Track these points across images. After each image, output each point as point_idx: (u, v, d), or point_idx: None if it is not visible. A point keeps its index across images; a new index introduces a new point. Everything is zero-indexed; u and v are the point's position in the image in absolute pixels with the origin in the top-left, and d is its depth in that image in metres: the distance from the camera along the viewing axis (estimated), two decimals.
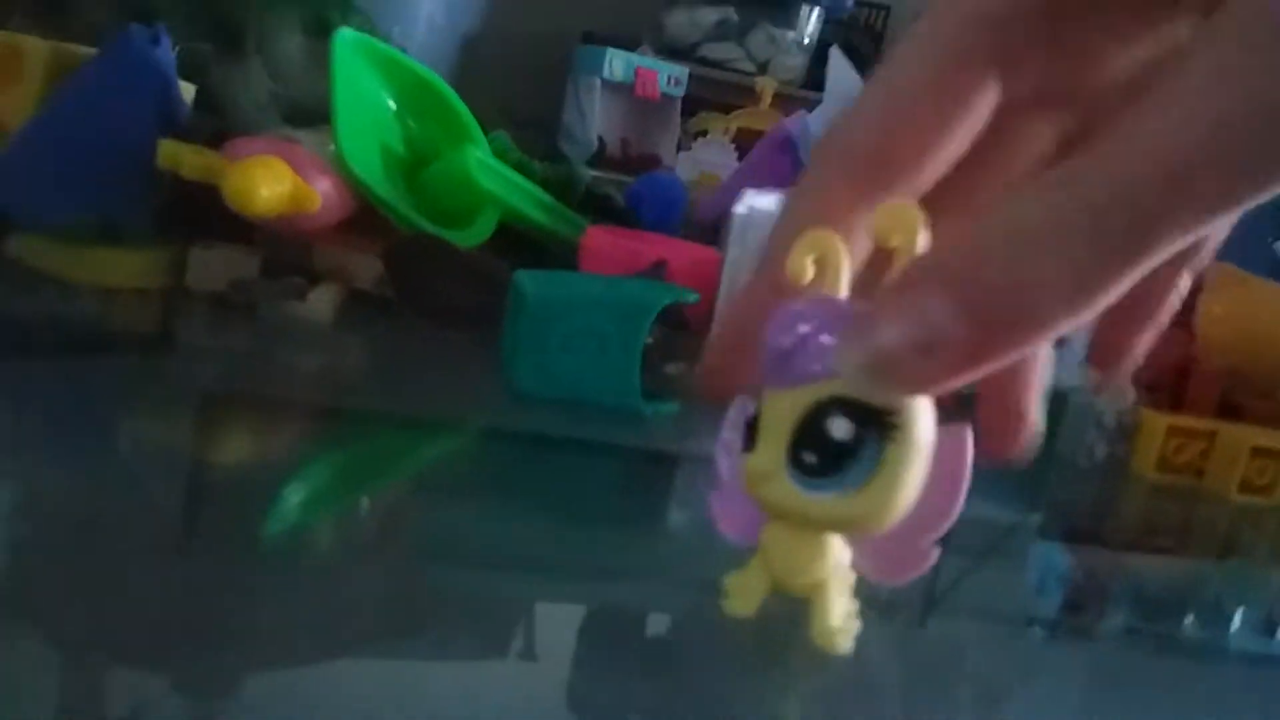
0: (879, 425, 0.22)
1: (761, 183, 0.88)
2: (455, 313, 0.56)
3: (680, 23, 1.27)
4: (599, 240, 0.64)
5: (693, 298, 0.51)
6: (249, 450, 0.41)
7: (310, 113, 0.77)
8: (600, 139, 1.12)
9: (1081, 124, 0.23)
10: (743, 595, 0.27)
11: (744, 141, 1.16)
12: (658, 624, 0.33)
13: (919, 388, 0.21)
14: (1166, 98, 0.17)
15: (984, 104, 0.22)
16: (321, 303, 0.53)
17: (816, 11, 1.30)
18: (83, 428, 0.37)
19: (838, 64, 0.87)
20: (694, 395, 0.53)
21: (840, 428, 0.22)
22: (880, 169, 0.22)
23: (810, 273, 0.23)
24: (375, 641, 0.27)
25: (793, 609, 0.26)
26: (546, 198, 0.67)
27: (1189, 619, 0.41)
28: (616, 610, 0.32)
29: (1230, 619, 0.41)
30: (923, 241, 0.22)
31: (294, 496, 0.36)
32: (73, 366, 0.43)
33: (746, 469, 0.24)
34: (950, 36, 0.22)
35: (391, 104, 0.63)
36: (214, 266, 0.54)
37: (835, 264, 0.23)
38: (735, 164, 1.11)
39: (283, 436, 0.44)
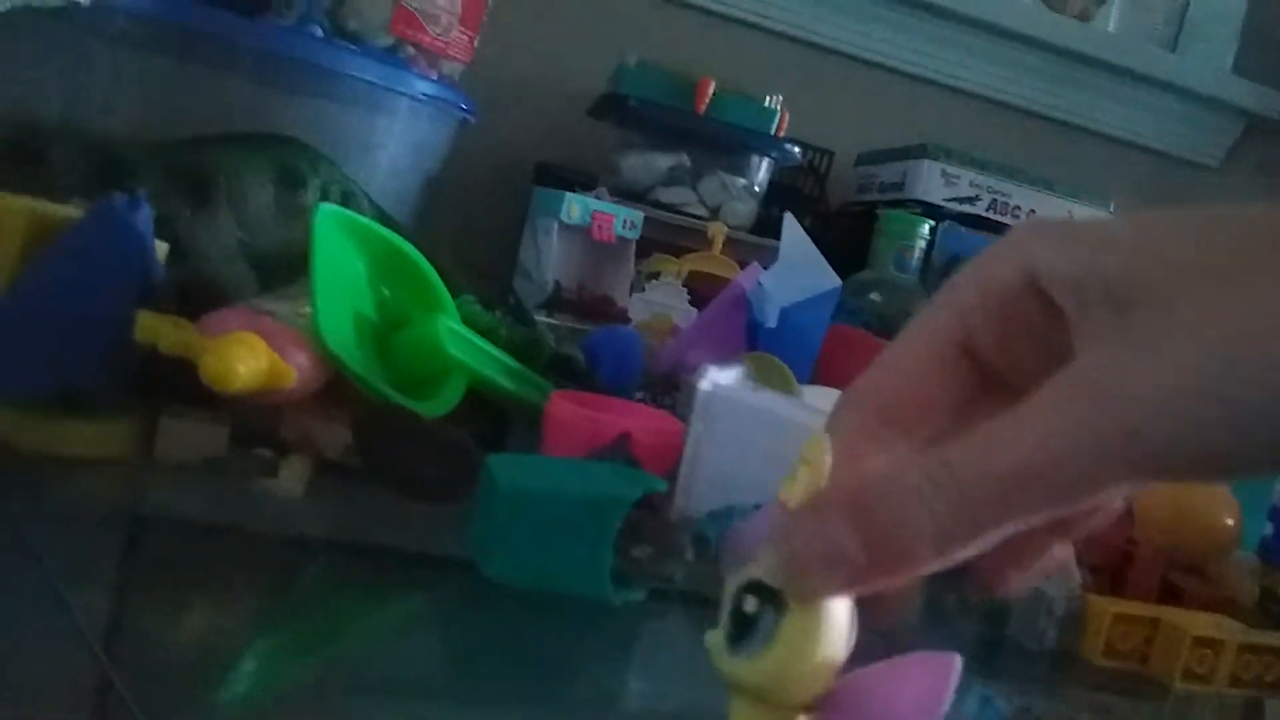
0: (774, 602, 0.27)
1: (717, 337, 0.90)
2: (421, 485, 0.57)
3: (635, 166, 1.31)
4: (563, 410, 0.66)
5: (660, 487, 0.52)
6: (205, 617, 0.41)
7: (276, 261, 0.78)
8: (555, 281, 1.14)
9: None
10: None
11: (695, 284, 1.19)
12: None
13: (822, 591, 0.27)
14: (1019, 418, 0.24)
15: (961, 385, 0.29)
16: (292, 477, 0.53)
17: (766, 161, 1.36)
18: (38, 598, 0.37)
19: (791, 228, 0.90)
20: (658, 577, 0.54)
21: (749, 603, 0.27)
22: (887, 420, 0.29)
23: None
24: None
25: None
26: (513, 363, 0.68)
27: None
28: None
29: None
30: (828, 464, 0.28)
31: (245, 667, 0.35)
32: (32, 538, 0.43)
33: (708, 644, 0.28)
34: (943, 326, 0.28)
35: (364, 270, 0.64)
36: (183, 437, 0.54)
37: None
38: (687, 306, 1.14)
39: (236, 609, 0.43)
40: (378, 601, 0.46)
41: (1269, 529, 0.78)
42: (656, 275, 1.23)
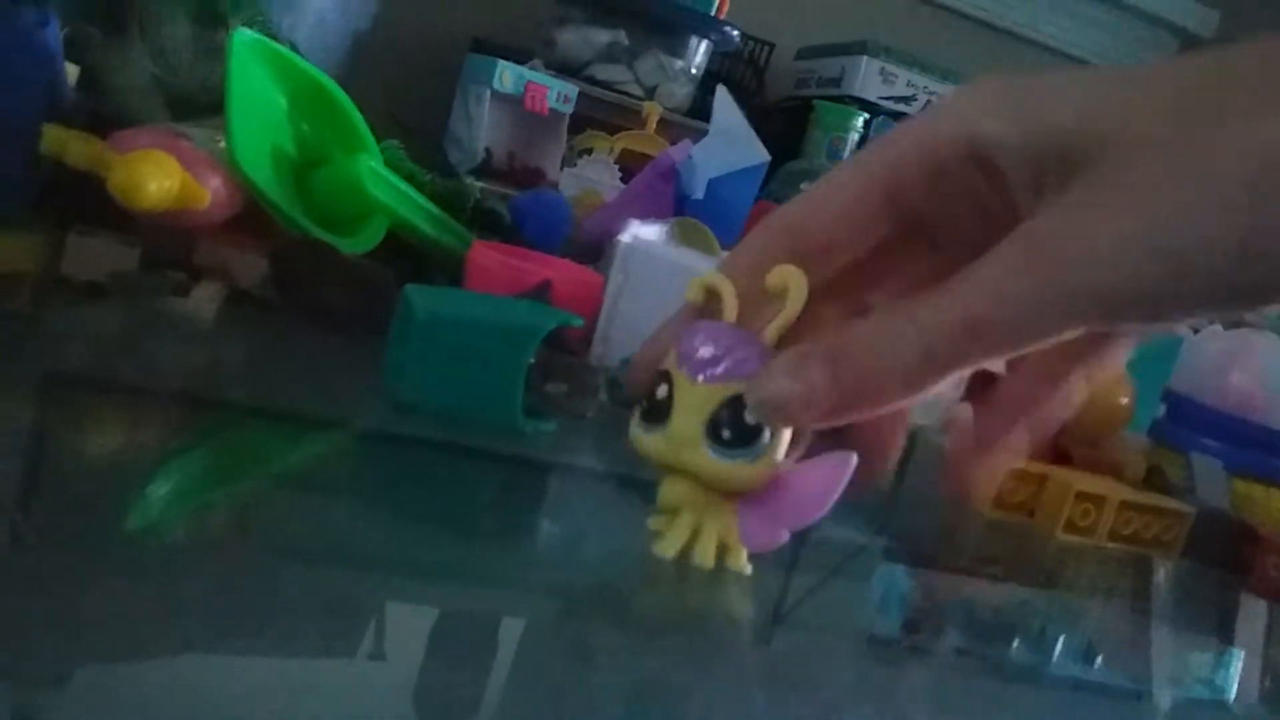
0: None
1: (644, 207, 0.90)
2: (337, 317, 0.57)
3: (571, 41, 1.29)
4: (485, 257, 0.66)
5: (577, 322, 0.52)
6: (106, 439, 0.41)
7: (193, 102, 0.76)
8: (486, 149, 1.12)
9: (945, 264, 0.30)
10: (669, 543, 0.36)
11: (627, 162, 1.18)
12: (510, 629, 0.34)
13: (797, 423, 0.33)
14: (975, 274, 0.27)
15: (879, 230, 0.32)
16: (203, 301, 0.53)
17: (705, 44, 1.34)
18: None
19: (723, 101, 0.90)
20: (570, 413, 0.55)
21: (752, 415, 0.33)
22: (799, 245, 0.32)
23: (701, 298, 0.35)
24: (218, 637, 0.26)
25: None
26: (435, 210, 0.67)
27: (1015, 643, 0.45)
28: (468, 615, 0.33)
29: (1053, 645, 0.46)
30: (804, 296, 0.32)
31: (148, 488, 0.35)
32: None
33: (670, 436, 0.34)
34: (871, 174, 0.31)
35: (284, 104, 0.63)
36: (92, 255, 0.53)
37: (728, 299, 0.34)
38: (618, 183, 1.13)
39: (146, 427, 0.43)
40: (282, 442, 0.46)
41: (1161, 410, 0.82)
42: (589, 151, 1.22)
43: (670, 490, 0.36)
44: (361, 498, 0.41)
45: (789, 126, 1.50)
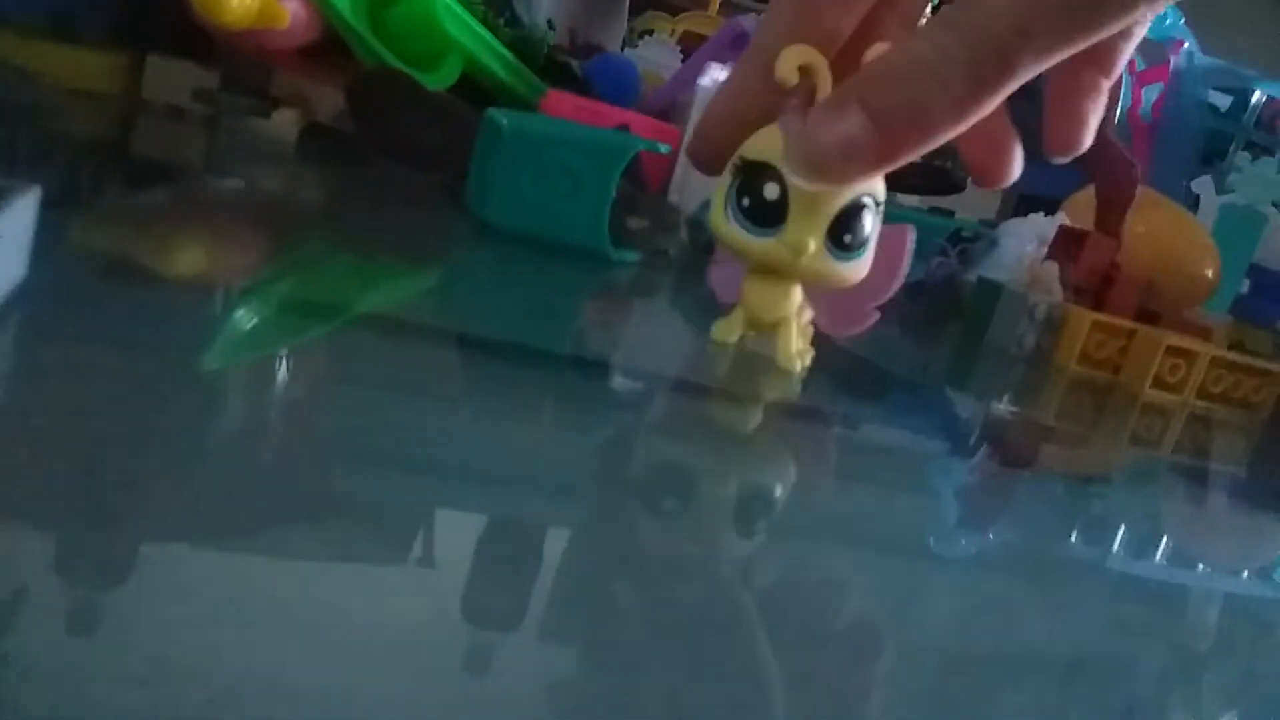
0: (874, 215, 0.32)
1: None
2: (418, 150, 0.56)
3: None
4: (560, 103, 0.64)
5: (664, 148, 0.51)
6: (191, 266, 0.39)
7: None
8: (549, 21, 1.10)
9: None
10: (726, 330, 0.36)
11: (688, 44, 1.16)
12: (556, 538, 0.26)
13: (841, 181, 0.29)
14: None
15: None
16: (286, 123, 0.52)
17: None
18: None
19: None
20: (652, 249, 0.54)
21: (866, 218, 0.32)
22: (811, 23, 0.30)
23: (796, 78, 0.29)
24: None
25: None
26: (509, 55, 0.66)
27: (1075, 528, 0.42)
28: (516, 522, 0.26)
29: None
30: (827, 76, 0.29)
31: (228, 318, 0.31)
32: (28, 168, 0.42)
33: (788, 242, 0.31)
34: None
35: None
36: (172, 77, 0.52)
37: (822, 73, 0.30)
38: (678, 64, 1.11)
39: (227, 254, 0.42)
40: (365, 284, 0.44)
41: (1246, 286, 0.79)
42: (650, 32, 1.19)
43: (761, 296, 0.35)
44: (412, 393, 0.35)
45: None
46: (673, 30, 1.19)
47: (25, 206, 0.17)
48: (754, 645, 0.20)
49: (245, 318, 0.30)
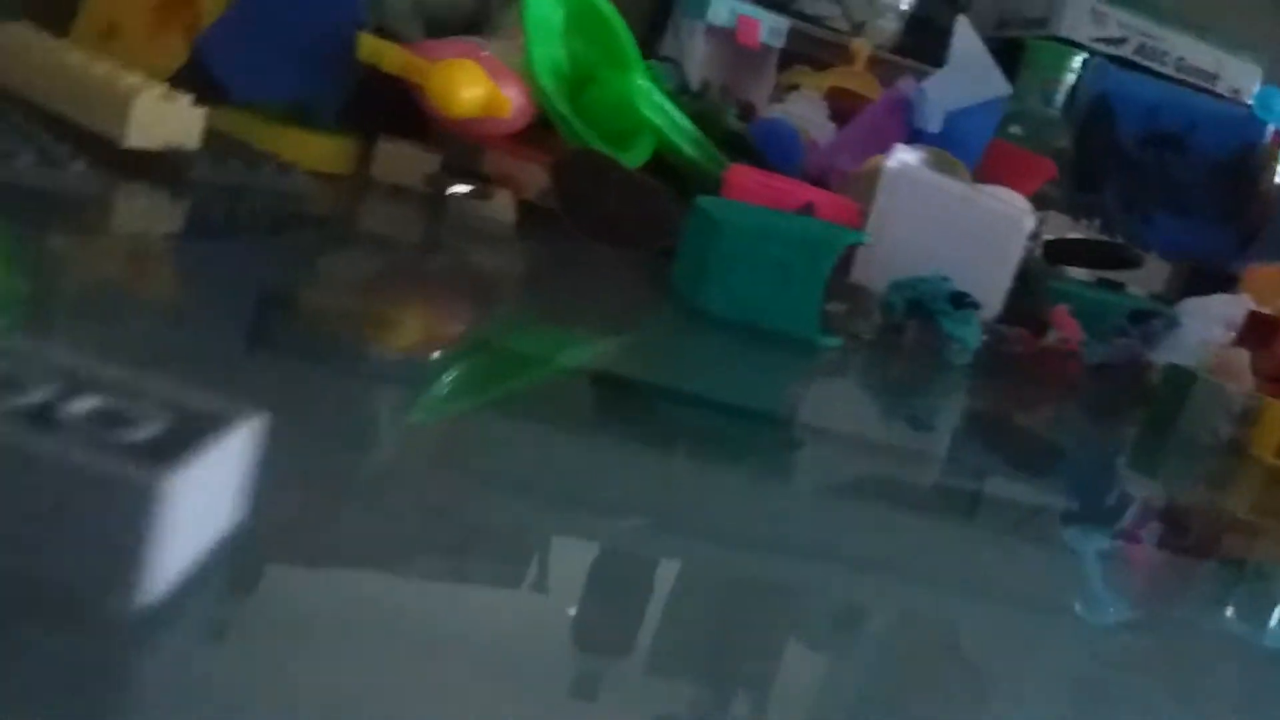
0: None
1: (874, 140, 0.89)
2: (617, 227, 0.58)
3: None
4: (745, 178, 0.66)
5: (866, 238, 0.52)
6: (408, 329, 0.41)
7: (443, 23, 0.78)
8: (704, 81, 1.12)
9: None
10: None
11: (835, 100, 1.17)
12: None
13: None
14: None
15: None
16: (506, 205, 0.54)
17: None
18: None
19: (964, 31, 0.88)
20: (849, 333, 0.55)
21: None
22: None
23: None
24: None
25: None
26: (695, 131, 0.68)
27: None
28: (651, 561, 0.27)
29: None
30: None
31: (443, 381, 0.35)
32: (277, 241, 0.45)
33: None
34: None
35: (561, 21, 0.64)
36: (399, 160, 0.55)
37: None
38: (826, 121, 1.12)
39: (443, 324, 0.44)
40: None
41: None
42: (796, 87, 1.21)
43: None
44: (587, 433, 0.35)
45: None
46: (819, 86, 1.20)
47: (241, 439, 0.16)
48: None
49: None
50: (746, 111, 1.18)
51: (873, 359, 0.55)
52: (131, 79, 0.44)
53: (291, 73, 0.53)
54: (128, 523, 0.15)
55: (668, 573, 0.26)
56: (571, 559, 0.25)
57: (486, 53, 0.57)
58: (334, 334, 0.36)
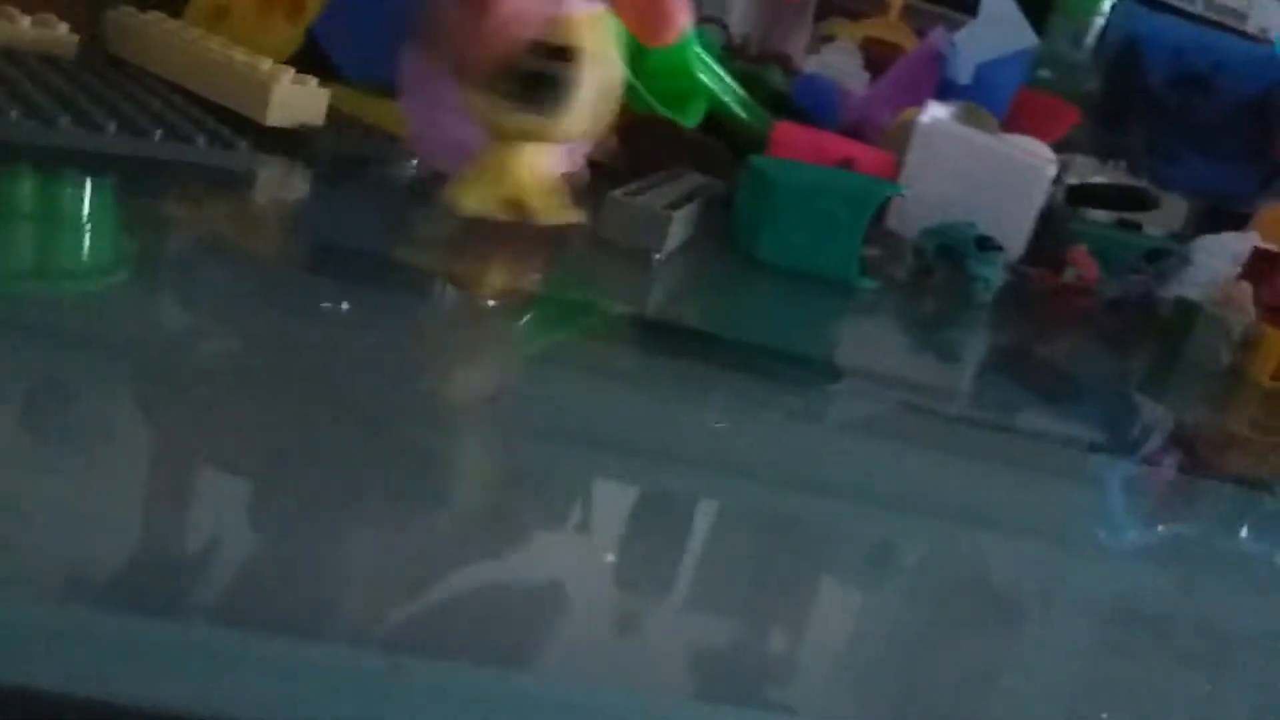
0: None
1: (908, 92, 0.95)
2: None
3: None
4: (789, 135, 0.72)
5: (902, 190, 0.59)
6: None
7: None
8: (740, 32, 1.18)
9: None
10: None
11: (870, 51, 1.22)
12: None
13: None
14: None
15: None
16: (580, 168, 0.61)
17: None
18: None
19: None
20: (884, 275, 0.62)
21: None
22: None
23: None
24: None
25: None
26: (742, 92, 0.74)
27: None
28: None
29: None
30: None
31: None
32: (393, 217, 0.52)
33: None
34: None
35: None
36: None
37: None
38: (861, 71, 1.17)
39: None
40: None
41: None
42: (831, 38, 1.26)
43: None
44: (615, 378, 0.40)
45: (1025, 9, 1.48)
46: (855, 35, 1.25)
47: None
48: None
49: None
50: (783, 63, 1.23)
51: (905, 299, 0.62)
52: (266, 65, 0.51)
53: (398, 52, 0.59)
54: None
55: (707, 509, 0.30)
56: (613, 499, 0.29)
57: None
58: (424, 280, 0.43)
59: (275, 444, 0.25)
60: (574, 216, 0.36)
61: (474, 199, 0.36)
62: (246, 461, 0.24)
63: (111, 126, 0.40)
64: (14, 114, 0.38)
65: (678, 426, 0.34)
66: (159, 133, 0.42)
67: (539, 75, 0.32)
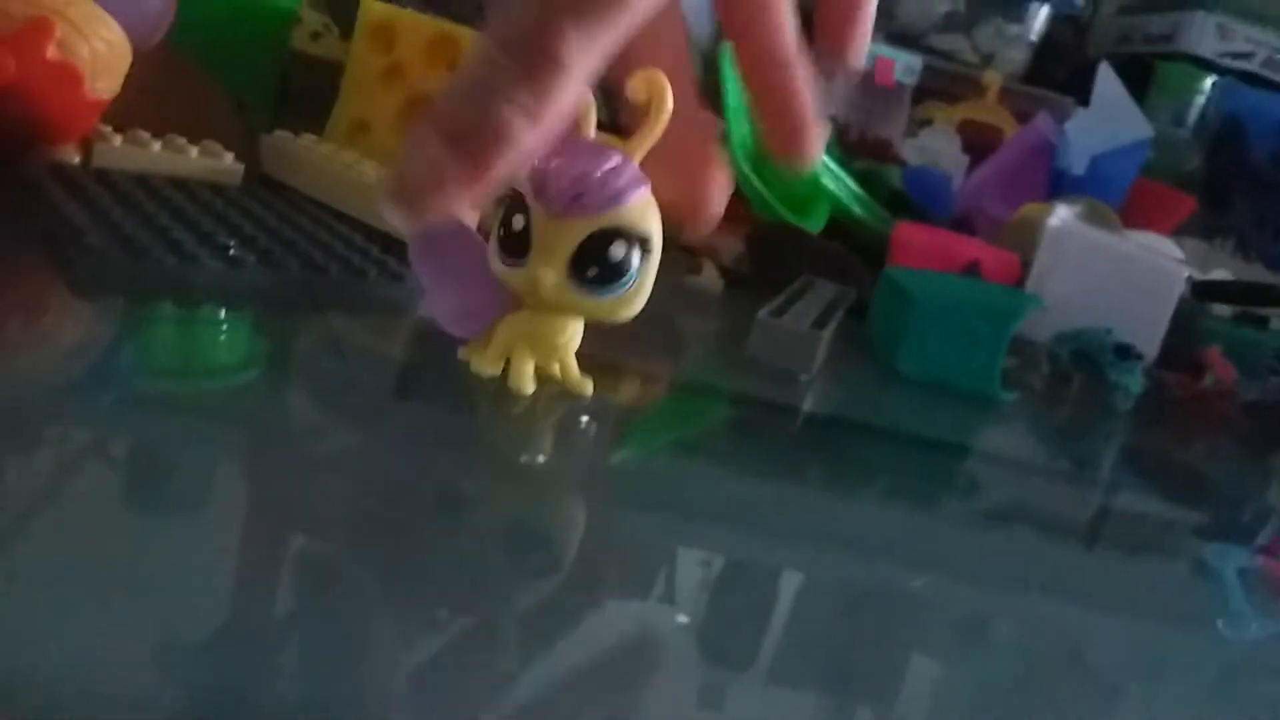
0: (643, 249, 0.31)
1: (1015, 182, 0.94)
2: None
3: (911, 11, 1.32)
4: (911, 236, 0.72)
5: (1041, 304, 0.59)
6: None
7: None
8: (845, 124, 1.19)
9: None
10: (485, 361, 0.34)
11: (966, 133, 1.22)
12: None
13: (434, 213, 0.27)
14: None
15: None
16: (714, 276, 0.62)
17: (1045, 8, 1.35)
18: None
19: (1105, 75, 0.92)
20: (1020, 385, 0.61)
21: (616, 251, 0.31)
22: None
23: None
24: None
25: None
26: (863, 193, 0.75)
27: None
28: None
29: None
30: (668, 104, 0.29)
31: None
32: None
33: (529, 275, 0.31)
34: None
35: (743, 101, 0.71)
36: None
37: (588, 115, 0.30)
38: (959, 154, 1.17)
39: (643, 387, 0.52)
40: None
41: None
42: (929, 122, 1.26)
43: (505, 327, 0.34)
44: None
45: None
46: (951, 119, 1.25)
47: None
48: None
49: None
50: (883, 149, 1.24)
51: (1044, 407, 0.61)
52: None
53: None
54: None
55: (824, 588, 0.33)
56: (744, 579, 0.31)
57: None
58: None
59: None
60: (588, 388, 0.36)
61: (490, 364, 0.34)
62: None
63: (294, 264, 0.42)
64: (203, 256, 0.40)
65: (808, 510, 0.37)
66: (335, 268, 0.43)
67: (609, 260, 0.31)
